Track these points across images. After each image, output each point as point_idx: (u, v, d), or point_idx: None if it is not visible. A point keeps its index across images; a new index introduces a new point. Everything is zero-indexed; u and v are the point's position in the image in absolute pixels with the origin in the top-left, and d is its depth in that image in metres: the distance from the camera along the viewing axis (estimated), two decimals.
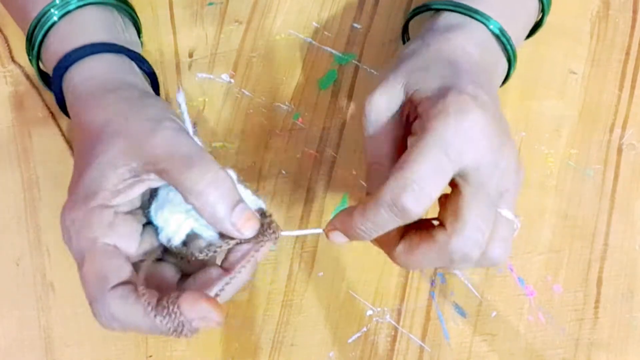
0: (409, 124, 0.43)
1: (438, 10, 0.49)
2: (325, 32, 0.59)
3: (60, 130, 0.56)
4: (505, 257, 0.42)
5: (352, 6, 0.59)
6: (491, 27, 0.47)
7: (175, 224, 0.41)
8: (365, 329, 0.53)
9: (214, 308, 0.38)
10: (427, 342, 0.52)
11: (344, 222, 0.41)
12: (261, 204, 0.43)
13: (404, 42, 0.56)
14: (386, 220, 0.40)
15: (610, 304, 0.53)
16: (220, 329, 0.53)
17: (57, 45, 0.48)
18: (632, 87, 0.57)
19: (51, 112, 0.57)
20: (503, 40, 0.47)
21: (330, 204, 0.55)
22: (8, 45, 0.58)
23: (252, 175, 0.55)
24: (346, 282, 0.53)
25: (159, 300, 0.38)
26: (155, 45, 0.58)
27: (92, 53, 0.47)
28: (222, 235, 0.42)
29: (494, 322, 0.53)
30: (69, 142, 0.56)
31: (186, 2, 0.59)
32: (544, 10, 0.51)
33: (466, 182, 0.40)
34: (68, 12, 0.48)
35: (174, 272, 0.43)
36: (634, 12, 0.59)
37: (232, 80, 0.58)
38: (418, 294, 0.53)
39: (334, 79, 0.57)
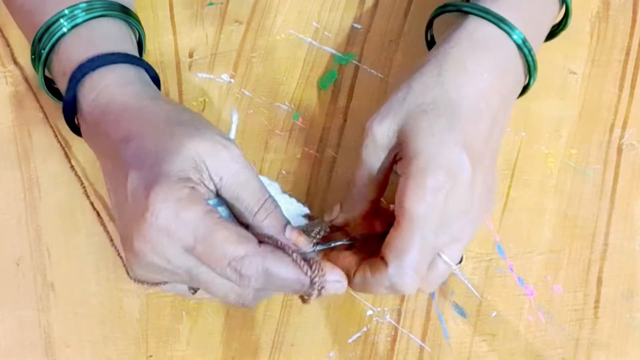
0: (394, 159, 0.46)
1: (465, 13, 0.48)
2: (326, 32, 0.59)
3: (54, 131, 0.56)
4: (428, 292, 0.51)
5: (352, 6, 0.59)
6: (515, 37, 0.47)
7: None
8: (365, 329, 0.53)
9: (345, 277, 0.44)
10: (427, 342, 0.52)
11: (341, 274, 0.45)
12: (306, 210, 0.48)
13: (426, 39, 0.55)
14: (379, 291, 0.45)
15: (610, 304, 0.53)
16: (220, 328, 0.53)
17: (68, 57, 0.48)
18: (632, 87, 0.57)
19: (45, 114, 0.57)
20: (524, 51, 0.48)
21: (331, 204, 0.55)
22: (9, 46, 0.58)
23: None
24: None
25: (300, 261, 0.43)
26: (155, 45, 0.58)
27: (120, 62, 0.48)
28: None
29: (494, 322, 0.53)
30: (61, 143, 0.56)
31: (186, 2, 0.59)
32: (567, 13, 0.52)
33: (410, 224, 0.43)
34: (77, 24, 0.48)
35: None
36: (634, 12, 0.59)
37: (232, 80, 0.58)
38: (418, 294, 0.53)
39: (334, 79, 0.57)
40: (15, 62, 0.58)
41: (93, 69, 0.47)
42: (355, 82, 0.57)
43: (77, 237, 0.54)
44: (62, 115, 0.49)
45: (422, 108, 0.45)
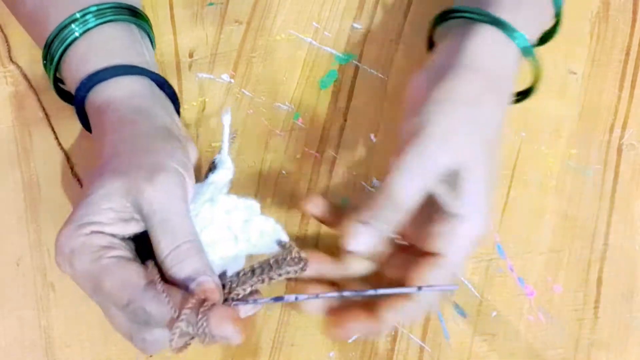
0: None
1: (467, 18, 0.48)
2: (326, 32, 0.59)
3: (55, 133, 0.56)
4: None
5: (352, 6, 0.59)
6: (522, 46, 0.48)
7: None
8: None
9: (239, 331, 0.41)
10: (428, 342, 0.52)
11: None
12: (283, 236, 0.46)
13: (429, 46, 0.54)
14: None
15: (610, 304, 0.53)
16: None
17: (78, 63, 0.48)
18: (632, 87, 0.57)
19: (46, 115, 0.57)
20: (531, 57, 0.48)
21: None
22: (8, 45, 0.58)
23: (252, 176, 0.55)
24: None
25: (185, 302, 0.40)
26: (155, 45, 0.58)
27: (115, 75, 0.48)
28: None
29: (494, 322, 0.53)
30: (61, 146, 0.56)
31: (186, 2, 0.59)
32: (557, 17, 0.52)
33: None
34: (89, 29, 0.48)
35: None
36: (634, 12, 0.59)
37: (233, 80, 0.58)
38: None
39: (334, 79, 0.57)
40: (12, 62, 0.58)
41: (88, 90, 0.48)
42: (355, 82, 0.57)
43: None
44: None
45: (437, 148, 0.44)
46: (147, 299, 0.41)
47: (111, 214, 0.42)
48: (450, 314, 0.53)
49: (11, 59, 0.58)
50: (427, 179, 0.44)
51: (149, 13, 0.59)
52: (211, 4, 0.59)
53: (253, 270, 0.44)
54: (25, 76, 0.58)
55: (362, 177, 0.55)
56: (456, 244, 0.45)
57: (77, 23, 0.48)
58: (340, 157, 0.56)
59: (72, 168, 0.55)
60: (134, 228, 0.43)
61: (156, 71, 0.51)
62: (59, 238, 0.42)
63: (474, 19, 0.48)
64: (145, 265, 0.42)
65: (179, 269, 0.42)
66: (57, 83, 0.52)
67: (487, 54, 0.47)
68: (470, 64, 0.46)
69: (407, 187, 0.43)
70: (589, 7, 0.59)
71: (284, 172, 0.56)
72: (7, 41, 0.59)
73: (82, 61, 0.48)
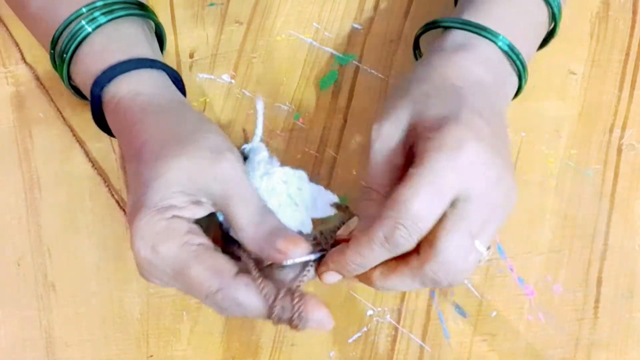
0: (411, 152, 0.44)
1: (447, 27, 0.49)
2: (326, 33, 0.59)
3: (72, 118, 0.56)
4: (462, 281, 0.45)
5: (352, 7, 0.59)
6: (500, 44, 0.47)
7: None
8: (365, 328, 0.53)
9: (330, 318, 0.42)
10: (428, 342, 0.52)
11: (337, 261, 0.43)
12: (335, 198, 0.47)
13: (415, 58, 0.55)
14: (379, 254, 0.42)
15: (610, 304, 0.53)
16: (221, 328, 0.53)
17: (93, 58, 0.48)
18: (632, 88, 0.57)
19: (58, 109, 0.57)
20: (512, 56, 0.48)
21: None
22: (18, 46, 0.58)
23: None
24: (347, 282, 0.53)
25: (278, 292, 0.42)
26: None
27: (137, 68, 0.48)
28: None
29: (494, 322, 0.53)
30: (76, 136, 0.56)
31: (187, 2, 0.59)
32: (555, 19, 0.51)
33: (451, 212, 0.41)
34: (101, 24, 0.48)
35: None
36: (634, 12, 0.59)
37: (233, 81, 0.58)
38: (418, 294, 0.53)
39: (335, 79, 0.58)
40: (26, 63, 0.58)
41: (109, 80, 0.48)
42: (355, 82, 0.57)
43: (77, 237, 0.54)
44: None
45: (423, 93, 0.44)
46: (239, 287, 0.41)
47: (183, 197, 0.42)
48: (450, 314, 0.53)
49: (24, 60, 0.58)
50: (440, 205, 0.41)
51: None
52: (212, 4, 0.59)
53: (322, 233, 0.45)
54: (37, 77, 0.58)
55: (362, 177, 0.55)
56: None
57: (85, 19, 0.48)
58: (340, 157, 0.56)
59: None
60: (202, 211, 0.43)
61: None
62: (136, 223, 0.42)
63: (450, 26, 0.48)
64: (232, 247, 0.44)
65: (262, 232, 0.42)
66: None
67: (484, 69, 0.46)
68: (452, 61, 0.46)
69: (430, 214, 0.41)
70: (589, 7, 0.59)
71: None
72: (16, 43, 0.59)
73: (98, 55, 0.48)
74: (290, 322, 0.42)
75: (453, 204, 0.41)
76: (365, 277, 0.44)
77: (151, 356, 0.53)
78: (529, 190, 0.55)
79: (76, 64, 0.49)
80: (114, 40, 0.49)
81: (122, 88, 0.47)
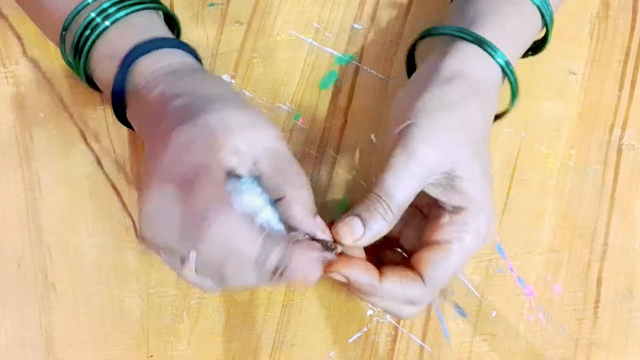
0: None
1: (448, 35, 0.49)
2: (326, 33, 0.59)
3: (72, 118, 0.56)
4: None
5: (352, 7, 0.59)
6: (498, 60, 0.48)
7: (252, 209, 0.44)
8: (365, 328, 0.53)
9: (317, 266, 0.43)
10: (428, 341, 0.52)
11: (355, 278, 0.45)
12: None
13: (407, 64, 0.54)
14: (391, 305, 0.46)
15: (610, 304, 0.53)
16: (221, 328, 0.53)
17: (114, 43, 0.48)
18: (632, 88, 0.57)
19: (64, 105, 0.56)
20: (507, 72, 0.48)
21: (331, 205, 0.55)
22: (21, 42, 0.58)
23: None
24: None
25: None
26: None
27: (164, 47, 0.48)
28: (289, 230, 0.45)
29: (494, 322, 0.53)
30: (82, 132, 0.56)
31: (187, 3, 0.59)
32: (547, 28, 0.51)
33: (453, 243, 0.45)
34: (118, 19, 0.48)
35: None
36: (634, 12, 0.59)
37: (233, 81, 0.58)
38: None
39: (335, 79, 0.58)
40: (29, 59, 0.58)
41: (141, 55, 0.47)
42: (355, 82, 0.58)
43: (78, 238, 0.54)
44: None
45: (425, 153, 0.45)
46: (238, 215, 0.42)
47: (239, 145, 0.42)
48: (450, 314, 0.53)
49: (26, 54, 0.58)
50: (419, 177, 0.44)
51: None
52: (212, 4, 0.60)
53: None
54: (44, 74, 0.58)
55: (362, 177, 0.55)
56: (466, 232, 0.45)
57: (95, 11, 0.48)
58: (341, 157, 0.56)
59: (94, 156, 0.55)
60: (249, 170, 0.43)
61: None
62: (201, 182, 0.42)
63: (458, 37, 0.48)
64: None
65: (307, 193, 0.44)
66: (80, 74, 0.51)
67: (466, 64, 0.47)
68: (450, 72, 0.47)
69: (399, 187, 0.44)
70: (589, 7, 0.59)
71: None
72: (20, 39, 0.59)
73: (122, 38, 0.48)
74: (276, 271, 0.41)
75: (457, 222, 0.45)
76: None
77: (151, 356, 0.53)
78: (529, 190, 0.55)
79: (92, 56, 0.49)
80: (132, 26, 0.49)
81: (155, 64, 0.47)
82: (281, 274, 0.42)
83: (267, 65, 0.58)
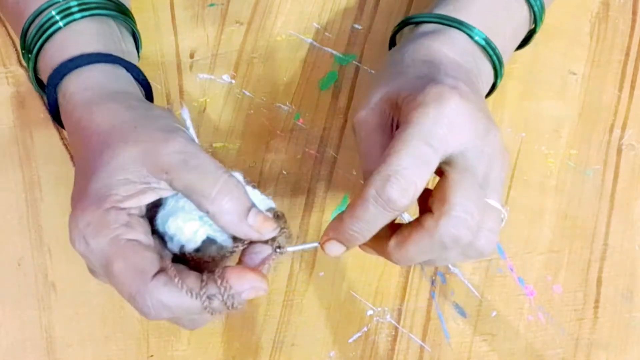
0: (392, 128, 0.43)
1: (421, 22, 0.49)
2: (326, 33, 0.59)
3: (60, 133, 0.56)
4: (492, 248, 0.42)
5: (352, 7, 0.59)
6: (476, 38, 0.47)
7: (190, 231, 0.42)
8: (365, 328, 0.53)
9: (261, 277, 0.40)
10: (428, 341, 0.52)
11: (336, 228, 0.42)
12: (271, 203, 0.44)
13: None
14: (375, 215, 0.40)
15: (610, 304, 0.53)
16: (221, 328, 0.53)
17: (53, 54, 0.48)
18: (632, 88, 0.57)
19: (51, 114, 0.57)
20: (488, 50, 0.48)
21: (331, 205, 0.55)
22: (16, 48, 0.59)
23: (253, 176, 0.55)
24: (347, 282, 0.53)
25: (201, 281, 0.39)
26: (156, 46, 0.58)
27: (88, 63, 0.47)
28: (235, 239, 0.42)
29: (494, 322, 0.53)
30: (67, 147, 0.56)
31: (187, 3, 0.60)
32: (536, 21, 0.51)
33: (452, 168, 0.41)
34: (74, 20, 0.48)
35: None
36: (634, 13, 0.59)
37: (233, 81, 0.58)
38: (418, 294, 0.53)
39: (335, 79, 0.58)
40: (21, 65, 0.58)
41: (65, 74, 0.47)
42: (355, 82, 0.58)
43: None
44: None
45: (396, 72, 0.44)
46: (157, 287, 0.39)
47: (127, 185, 0.41)
48: (450, 314, 0.53)
49: (20, 63, 0.58)
50: (431, 157, 0.40)
51: (149, 14, 0.59)
52: (212, 4, 0.60)
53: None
54: (30, 78, 0.58)
55: (362, 177, 0.55)
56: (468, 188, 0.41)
57: (56, 9, 0.48)
58: (341, 157, 0.56)
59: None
60: (150, 197, 0.41)
61: (134, 62, 0.50)
62: (74, 213, 0.41)
63: (441, 23, 0.48)
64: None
65: (228, 206, 0.40)
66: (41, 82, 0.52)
67: (458, 53, 0.47)
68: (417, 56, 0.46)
69: (411, 167, 0.40)
70: (589, 8, 0.59)
71: (284, 172, 0.56)
72: (14, 44, 0.59)
73: (56, 51, 0.48)
74: (226, 307, 0.39)
75: (451, 162, 0.41)
76: (382, 251, 0.43)
77: (151, 356, 0.53)
78: (529, 190, 0.55)
79: (41, 61, 0.49)
80: (71, 37, 0.48)
81: (72, 85, 0.47)
82: (233, 306, 0.40)
83: (267, 65, 0.58)
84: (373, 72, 0.58)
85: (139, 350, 0.53)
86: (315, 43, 0.59)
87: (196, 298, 0.39)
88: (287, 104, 0.57)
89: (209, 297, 0.39)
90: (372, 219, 0.40)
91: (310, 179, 0.55)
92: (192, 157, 0.41)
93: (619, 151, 0.56)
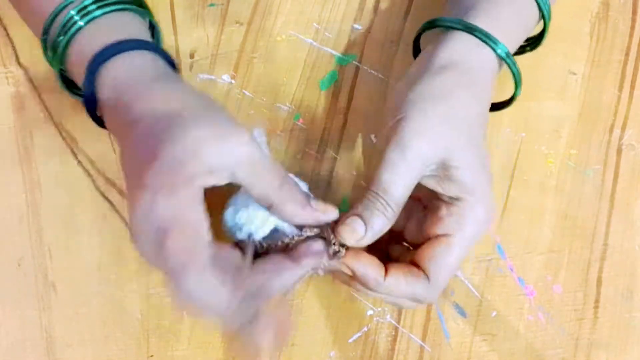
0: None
1: (447, 27, 0.49)
2: (326, 33, 0.59)
3: (60, 132, 0.56)
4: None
5: (352, 7, 0.59)
6: (499, 51, 0.48)
7: (260, 220, 0.45)
8: (366, 328, 0.53)
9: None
10: (428, 341, 0.52)
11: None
12: (305, 189, 0.47)
13: (415, 57, 0.55)
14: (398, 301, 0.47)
15: (610, 304, 0.53)
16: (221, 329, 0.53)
17: (86, 44, 0.47)
18: (632, 88, 0.57)
19: (50, 114, 0.57)
20: (509, 63, 0.48)
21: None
22: (14, 48, 0.59)
23: None
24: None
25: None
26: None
27: (134, 49, 0.47)
28: (299, 228, 0.46)
29: (494, 322, 0.53)
30: (68, 144, 0.56)
31: (187, 3, 0.60)
32: (545, 22, 0.51)
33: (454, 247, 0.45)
34: (95, 17, 0.48)
35: None
36: (634, 13, 0.59)
37: (233, 81, 0.58)
38: None
39: (335, 79, 0.58)
40: (21, 66, 0.58)
41: (108, 58, 0.46)
42: (355, 82, 0.58)
43: (78, 238, 0.54)
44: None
45: (425, 142, 0.45)
46: (209, 268, 0.41)
47: (200, 161, 0.41)
48: (450, 314, 0.53)
49: (19, 63, 0.58)
50: (414, 171, 0.44)
51: None
52: (212, 4, 0.60)
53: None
54: (30, 79, 0.58)
55: (362, 177, 0.55)
56: (465, 223, 0.45)
57: (75, 9, 0.48)
58: (341, 158, 0.56)
59: (79, 162, 0.55)
60: (225, 179, 0.43)
61: None
62: (145, 174, 0.41)
63: (451, 27, 0.48)
64: None
65: (290, 190, 0.44)
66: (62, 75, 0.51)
67: (458, 54, 0.47)
68: (441, 63, 0.47)
69: (395, 183, 0.44)
70: (589, 8, 0.59)
71: None
72: (12, 44, 0.59)
73: (90, 41, 0.47)
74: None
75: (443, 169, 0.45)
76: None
77: (152, 356, 0.53)
78: (529, 190, 0.55)
79: (69, 56, 0.49)
80: (107, 26, 0.48)
81: (115, 70, 0.46)
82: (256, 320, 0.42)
83: (267, 66, 0.58)
84: (374, 72, 0.58)
85: (139, 351, 0.53)
86: (315, 43, 0.59)
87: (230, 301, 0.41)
88: (287, 104, 0.57)
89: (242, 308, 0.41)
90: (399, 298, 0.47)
91: (310, 179, 0.55)
92: (257, 151, 0.43)
93: (619, 151, 0.56)
